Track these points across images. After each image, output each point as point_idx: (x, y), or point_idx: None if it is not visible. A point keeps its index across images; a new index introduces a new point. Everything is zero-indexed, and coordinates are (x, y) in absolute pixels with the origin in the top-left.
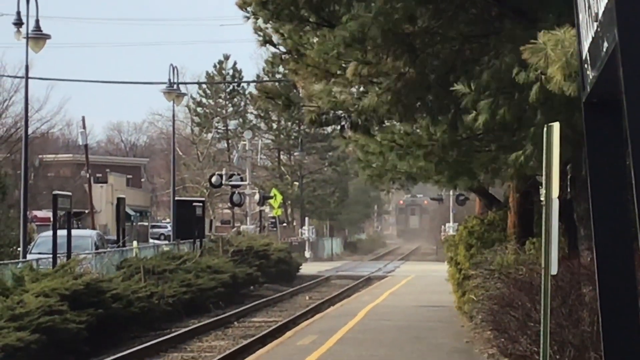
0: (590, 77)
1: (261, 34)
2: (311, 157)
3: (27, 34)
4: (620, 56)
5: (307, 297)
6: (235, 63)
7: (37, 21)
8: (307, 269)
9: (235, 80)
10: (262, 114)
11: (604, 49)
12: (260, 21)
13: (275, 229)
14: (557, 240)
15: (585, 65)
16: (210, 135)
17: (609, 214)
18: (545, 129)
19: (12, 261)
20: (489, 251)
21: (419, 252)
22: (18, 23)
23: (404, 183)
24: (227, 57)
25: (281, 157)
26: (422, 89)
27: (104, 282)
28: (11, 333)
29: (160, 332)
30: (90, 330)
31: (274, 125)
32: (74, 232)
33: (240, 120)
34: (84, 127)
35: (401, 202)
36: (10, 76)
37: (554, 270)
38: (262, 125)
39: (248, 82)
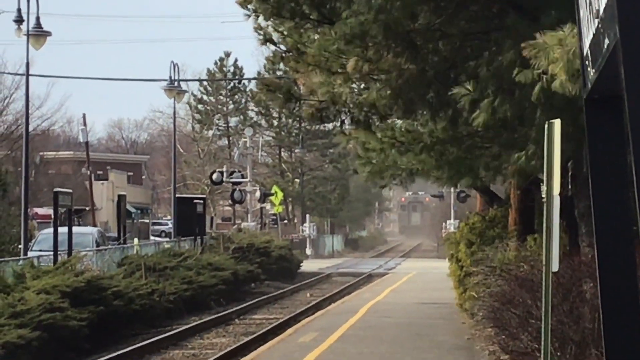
0: (591, 74)
1: (261, 32)
2: (312, 154)
3: (28, 31)
4: (621, 53)
5: (308, 294)
6: (236, 60)
7: (37, 18)
8: (308, 266)
9: (236, 77)
10: (263, 111)
11: (605, 46)
12: (260, 19)
13: (276, 226)
14: (558, 237)
15: (586, 62)
16: (211, 133)
17: (610, 210)
18: (546, 126)
19: (13, 258)
20: (490, 248)
21: (420, 249)
22: (19, 20)
23: (404, 179)
24: (228, 54)
25: (282, 154)
26: (422, 85)
27: (105, 279)
28: (12, 330)
29: (161, 329)
30: (91, 328)
31: (275, 123)
32: (74, 229)
33: (241, 117)
34: (85, 125)
35: (403, 199)
36: (11, 73)
37: (555, 267)
38: (263, 122)
39: (249, 79)
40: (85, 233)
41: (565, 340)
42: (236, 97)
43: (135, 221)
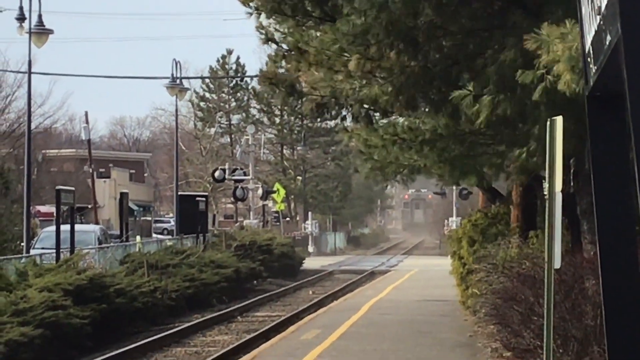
0: (593, 70)
1: (263, 31)
2: (314, 151)
3: (30, 29)
4: (623, 49)
5: (310, 292)
6: (238, 57)
7: (39, 16)
8: (310, 263)
9: (239, 74)
10: (265, 109)
11: (607, 43)
12: (262, 17)
13: (278, 223)
14: (560, 234)
15: (588, 59)
16: (213, 130)
17: (612, 207)
18: (548, 123)
19: (16, 256)
20: (493, 245)
21: (423, 246)
22: (21, 18)
23: (406, 176)
24: (230, 52)
25: (284, 151)
26: (424, 82)
27: (108, 277)
28: (15, 328)
29: (164, 326)
30: (93, 325)
31: (277, 120)
32: (77, 227)
33: (243, 114)
34: (87, 122)
35: (406, 196)
36: (13, 71)
37: (557, 264)
38: (265, 119)
39: (251, 77)
40: (87, 231)
41: (568, 337)
42: (238, 94)
43: (137, 219)
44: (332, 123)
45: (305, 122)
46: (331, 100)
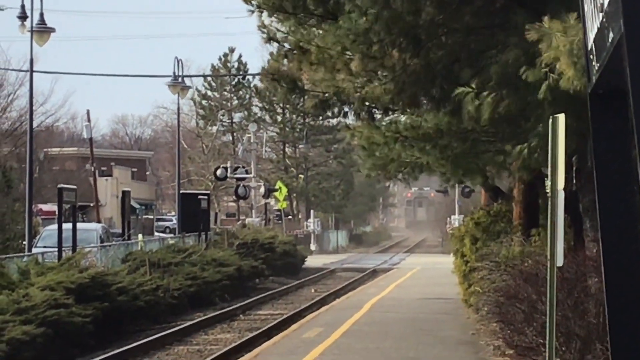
0: (596, 68)
1: (265, 30)
2: (316, 149)
3: (32, 27)
4: (626, 47)
5: (312, 290)
6: (240, 56)
7: (41, 14)
8: (312, 261)
9: (241, 72)
10: (267, 107)
11: (610, 40)
12: (264, 16)
13: (280, 221)
14: (562, 232)
15: (591, 57)
16: (215, 128)
17: (615, 205)
18: (550, 120)
19: (18, 255)
20: (495, 243)
21: (425, 244)
22: (22, 17)
23: (408, 173)
24: (232, 50)
25: (286, 149)
26: (427, 80)
27: (110, 275)
28: (17, 327)
29: (166, 325)
30: (95, 324)
31: (279, 118)
32: (79, 225)
33: (245, 112)
34: (89, 121)
35: (409, 194)
36: (15, 70)
37: (559, 262)
38: (267, 117)
39: (253, 75)
40: (89, 229)
41: (570, 335)
42: (240, 92)
43: (139, 217)
44: (334, 121)
45: (307, 120)
46: (333, 98)
